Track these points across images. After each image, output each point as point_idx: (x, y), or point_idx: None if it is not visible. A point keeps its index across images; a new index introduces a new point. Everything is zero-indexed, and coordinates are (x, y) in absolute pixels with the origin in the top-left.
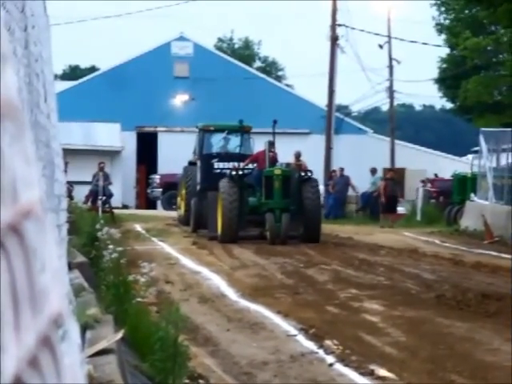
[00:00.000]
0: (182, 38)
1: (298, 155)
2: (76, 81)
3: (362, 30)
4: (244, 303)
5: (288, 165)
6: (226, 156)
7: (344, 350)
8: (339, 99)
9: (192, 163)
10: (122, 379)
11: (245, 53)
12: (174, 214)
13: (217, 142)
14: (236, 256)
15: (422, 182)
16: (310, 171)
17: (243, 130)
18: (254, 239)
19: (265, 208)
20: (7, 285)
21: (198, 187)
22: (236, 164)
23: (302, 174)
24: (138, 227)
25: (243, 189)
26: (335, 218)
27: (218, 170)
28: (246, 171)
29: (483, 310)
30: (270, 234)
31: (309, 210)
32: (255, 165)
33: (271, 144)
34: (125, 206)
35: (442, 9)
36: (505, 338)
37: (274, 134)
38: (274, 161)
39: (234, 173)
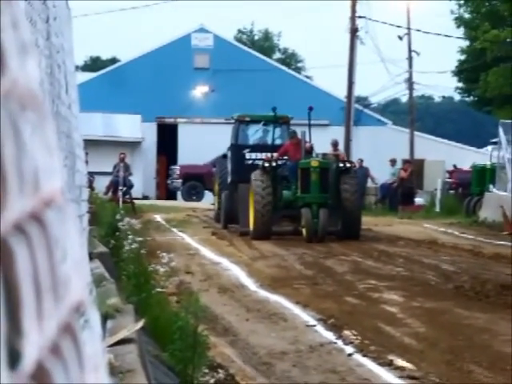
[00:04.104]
0: (202, 30)
1: (335, 144)
2: (97, 72)
3: (382, 22)
4: (263, 294)
5: (325, 155)
6: (258, 147)
7: (363, 340)
8: (359, 91)
9: (226, 156)
10: (143, 368)
11: (265, 44)
12: (194, 204)
13: (253, 133)
14: (255, 247)
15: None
16: (350, 161)
17: (281, 121)
18: (288, 235)
19: (301, 202)
20: (29, 273)
21: (229, 179)
22: (269, 155)
23: (341, 164)
24: (158, 218)
25: (277, 181)
26: None
27: (250, 162)
28: (279, 162)
29: (502, 301)
30: (307, 230)
31: (348, 203)
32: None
33: (294, 134)
34: (145, 197)
35: (461, 2)
36: None
37: (309, 122)
38: (309, 151)
39: (266, 164)
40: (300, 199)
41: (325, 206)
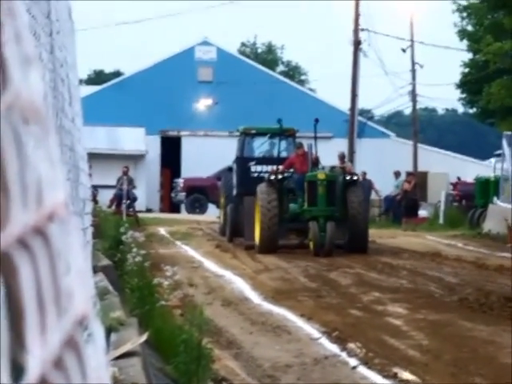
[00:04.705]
0: (205, 43)
1: (342, 156)
2: (101, 85)
3: (385, 35)
4: (267, 306)
5: (333, 168)
6: (264, 159)
7: (367, 352)
8: (362, 103)
9: (231, 169)
10: (147, 381)
11: (268, 57)
12: (197, 217)
13: (258, 146)
14: (259, 259)
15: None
16: (356, 174)
17: (287, 134)
18: (294, 249)
19: (307, 216)
20: (32, 286)
21: (234, 192)
22: (275, 167)
23: (347, 177)
24: (162, 231)
25: (283, 194)
26: None
27: (256, 174)
28: (285, 175)
29: (506, 313)
30: (314, 244)
31: (355, 216)
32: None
33: (300, 145)
34: (149, 210)
35: (464, 15)
36: None
37: (315, 134)
38: (315, 163)
39: (272, 177)
40: (307, 212)
41: (332, 219)
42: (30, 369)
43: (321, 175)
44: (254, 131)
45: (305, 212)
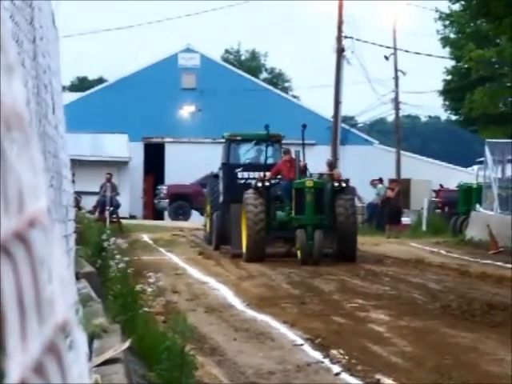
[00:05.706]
0: (188, 50)
1: (330, 164)
2: (84, 92)
3: (368, 42)
4: (251, 313)
5: (321, 175)
6: (250, 166)
7: (350, 359)
8: (345, 110)
9: (217, 176)
10: None
11: (251, 64)
12: (181, 224)
13: (244, 153)
14: (243, 266)
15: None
16: (345, 181)
17: (273, 140)
18: (281, 257)
19: (295, 224)
20: (13, 292)
21: (221, 199)
22: (262, 174)
23: (336, 184)
24: (145, 237)
25: (270, 201)
26: None
27: (243, 181)
28: (272, 181)
29: (489, 320)
30: (302, 253)
31: (343, 224)
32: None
33: (287, 151)
34: (132, 217)
35: (447, 22)
36: (510, 349)
37: (303, 140)
38: (303, 170)
39: (259, 184)
40: (294, 220)
41: (320, 227)
42: (11, 374)
43: (309, 183)
44: (239, 137)
45: (292, 220)
